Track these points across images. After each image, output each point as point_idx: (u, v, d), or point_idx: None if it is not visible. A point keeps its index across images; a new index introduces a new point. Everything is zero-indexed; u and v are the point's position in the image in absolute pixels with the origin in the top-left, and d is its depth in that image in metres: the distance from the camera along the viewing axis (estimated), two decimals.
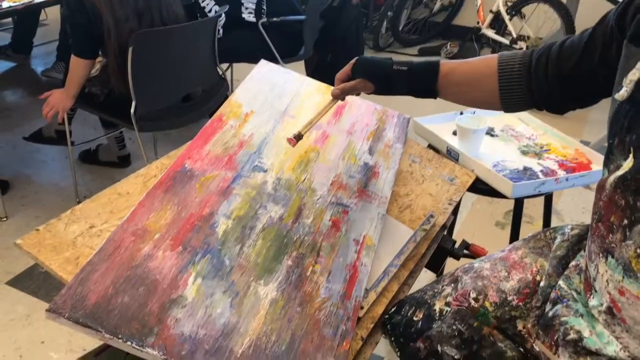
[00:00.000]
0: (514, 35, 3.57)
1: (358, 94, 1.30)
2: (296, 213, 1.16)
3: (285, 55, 2.86)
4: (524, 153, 1.66)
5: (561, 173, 1.56)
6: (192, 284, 0.95)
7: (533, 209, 2.59)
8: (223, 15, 2.57)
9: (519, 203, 1.65)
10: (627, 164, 0.86)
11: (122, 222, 1.02)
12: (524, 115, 1.83)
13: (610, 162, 0.92)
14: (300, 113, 1.45)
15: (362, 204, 1.24)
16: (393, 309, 1.11)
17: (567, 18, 3.40)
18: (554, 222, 1.82)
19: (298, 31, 2.90)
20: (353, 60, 1.25)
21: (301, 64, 3.12)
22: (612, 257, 0.90)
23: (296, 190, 1.21)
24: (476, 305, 1.06)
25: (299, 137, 1.20)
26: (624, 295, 0.89)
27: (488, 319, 1.05)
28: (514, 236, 1.71)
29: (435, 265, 1.41)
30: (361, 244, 1.15)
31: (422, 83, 1.20)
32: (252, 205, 1.14)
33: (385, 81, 1.22)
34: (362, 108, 1.54)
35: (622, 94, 0.89)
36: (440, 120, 1.77)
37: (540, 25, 3.69)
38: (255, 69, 1.56)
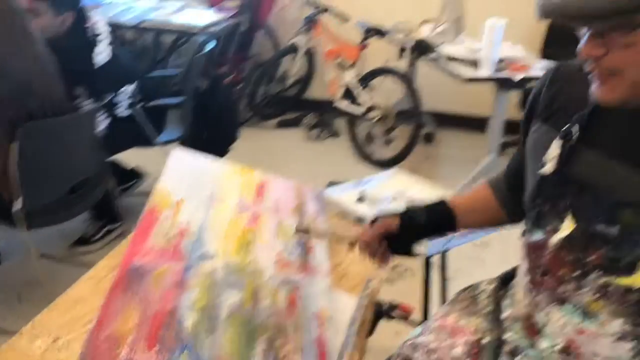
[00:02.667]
0: (367, 106, 3.88)
1: (383, 234, 1.28)
2: (253, 296, 1.18)
3: (153, 137, 2.84)
4: None
5: None
6: None
7: (413, 263, 2.79)
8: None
9: (428, 261, 1.79)
10: (568, 225, 1.00)
11: (91, 330, 0.97)
12: (413, 178, 2.02)
13: (542, 224, 1.05)
14: (226, 196, 1.47)
15: (309, 279, 1.29)
16: None
17: (409, 85, 3.79)
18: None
19: (165, 114, 2.92)
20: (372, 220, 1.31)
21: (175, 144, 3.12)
22: (568, 303, 1.03)
23: (246, 274, 1.23)
24: None
25: (306, 230, 1.36)
26: (583, 334, 1.02)
27: None
28: (442, 291, 1.84)
29: (371, 328, 1.48)
30: (320, 318, 1.19)
31: (437, 210, 1.28)
32: (210, 294, 1.14)
33: (406, 216, 1.27)
34: (280, 185, 1.61)
35: (548, 168, 1.03)
36: (344, 190, 1.89)
37: (388, 94, 4.06)
38: (173, 157, 1.56)
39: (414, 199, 1.90)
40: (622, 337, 0.99)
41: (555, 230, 1.02)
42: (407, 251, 1.30)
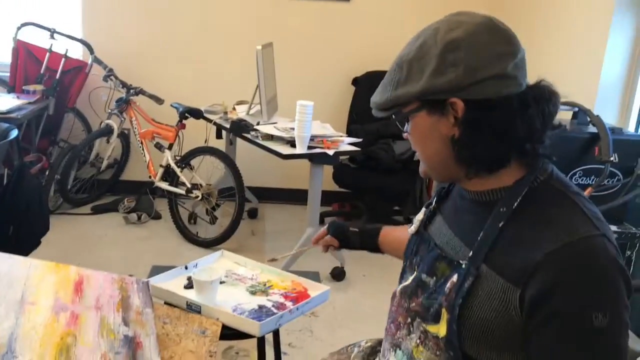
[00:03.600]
0: (188, 185, 3.85)
1: (328, 247, 1.70)
2: None
3: None
4: (253, 293, 1.82)
5: (289, 304, 1.76)
6: None
7: (246, 343, 2.76)
8: None
9: (261, 340, 1.79)
10: (411, 277, 1.18)
11: None
12: (239, 258, 2.02)
13: (402, 278, 1.25)
14: (40, 298, 1.35)
15: None
16: None
17: (230, 163, 3.85)
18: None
19: None
20: (328, 224, 1.71)
21: None
22: (400, 349, 1.16)
23: None
24: None
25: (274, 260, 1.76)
26: None
27: None
28: None
29: None
30: None
31: (368, 241, 1.63)
32: None
33: (345, 239, 1.66)
34: (100, 279, 1.51)
35: (412, 229, 1.26)
36: (170, 277, 1.83)
37: (209, 173, 4.07)
38: None
39: (243, 277, 1.91)
40: None
41: (406, 281, 1.20)
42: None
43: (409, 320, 1.14)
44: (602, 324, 0.90)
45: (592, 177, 2.44)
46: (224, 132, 4.01)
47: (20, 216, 2.76)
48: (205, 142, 4.03)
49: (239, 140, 3.95)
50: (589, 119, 2.57)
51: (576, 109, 2.58)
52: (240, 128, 3.61)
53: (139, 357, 1.28)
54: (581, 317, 0.91)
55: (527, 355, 0.99)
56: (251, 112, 3.82)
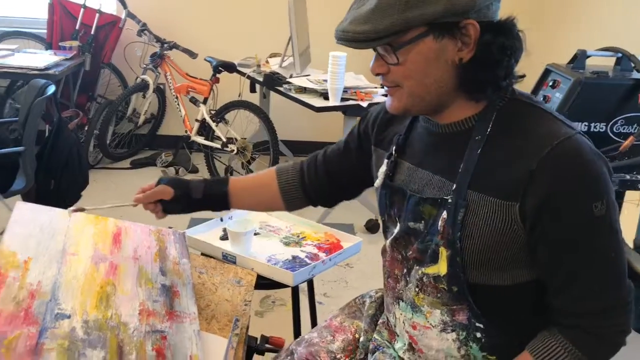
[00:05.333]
0: (224, 139, 3.88)
1: (158, 200, 1.42)
2: (117, 352, 1.13)
3: (2, 190, 2.63)
4: (286, 244, 1.85)
5: (322, 255, 1.79)
6: None
7: (282, 293, 2.82)
8: None
9: (296, 289, 1.82)
10: (397, 229, 1.16)
11: None
12: (274, 212, 2.05)
13: (387, 232, 1.22)
14: (80, 248, 1.40)
15: (176, 326, 1.26)
16: None
17: (264, 117, 3.85)
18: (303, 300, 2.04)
19: (12, 162, 2.71)
20: (159, 178, 1.45)
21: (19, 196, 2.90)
22: (402, 301, 1.17)
23: (108, 329, 1.18)
24: None
25: (80, 210, 1.37)
26: (416, 329, 1.15)
27: None
28: (312, 316, 1.86)
29: None
30: None
31: (214, 189, 1.41)
32: (70, 356, 1.07)
33: (184, 188, 1.40)
34: (138, 231, 1.55)
35: (378, 182, 1.21)
36: (206, 229, 1.87)
37: (244, 127, 4.09)
38: (14, 211, 1.46)
39: (277, 228, 1.93)
40: (444, 329, 1.12)
41: (392, 235, 1.18)
42: (179, 213, 1.44)
43: (405, 271, 1.15)
44: (602, 211, 0.98)
45: (635, 126, 2.36)
46: (257, 86, 4.00)
47: (60, 170, 2.84)
48: (239, 95, 4.03)
49: (272, 94, 3.94)
50: (633, 65, 2.47)
51: (619, 55, 2.48)
52: (273, 81, 3.59)
53: (176, 306, 1.32)
54: (584, 210, 0.97)
55: (532, 265, 1.04)
56: (284, 64, 3.79)
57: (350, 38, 1.00)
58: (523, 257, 1.04)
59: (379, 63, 1.05)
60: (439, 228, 1.06)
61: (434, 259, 1.07)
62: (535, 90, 2.29)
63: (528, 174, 0.97)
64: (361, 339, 1.30)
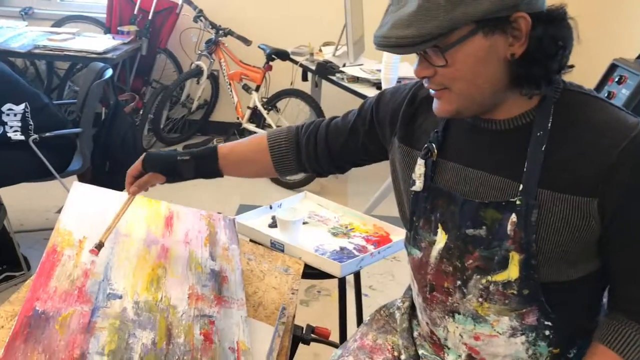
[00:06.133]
0: (274, 127, 3.89)
1: (153, 185, 1.39)
2: (166, 334, 1.14)
3: (60, 170, 2.71)
4: (335, 235, 1.84)
5: (371, 248, 1.76)
6: None
7: (327, 283, 2.81)
8: None
9: (342, 281, 1.81)
10: (441, 237, 1.09)
11: None
12: (322, 200, 2.04)
13: (418, 241, 1.13)
14: (133, 230, 1.42)
15: (224, 311, 1.26)
16: None
17: (315, 106, 3.84)
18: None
19: (69, 143, 2.79)
20: (142, 157, 1.37)
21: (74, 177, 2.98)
22: (459, 314, 1.10)
23: (158, 311, 1.19)
24: None
25: (100, 246, 1.27)
26: (479, 340, 1.09)
27: None
28: (358, 308, 1.85)
29: (290, 354, 1.47)
30: (237, 350, 1.17)
31: (206, 167, 1.36)
32: (120, 336, 1.09)
33: (175, 171, 1.35)
34: (189, 215, 1.57)
35: (419, 185, 1.12)
36: (255, 216, 1.87)
37: (295, 115, 4.09)
38: (71, 192, 1.49)
39: (326, 218, 1.92)
40: (513, 334, 1.07)
41: (431, 245, 1.10)
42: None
43: (459, 283, 1.07)
44: None
45: None
46: (309, 74, 3.99)
47: (115, 152, 2.90)
48: (291, 84, 4.03)
49: (324, 83, 3.92)
50: None
51: None
52: (326, 70, 3.57)
53: (225, 291, 1.32)
54: None
55: (599, 256, 1.03)
56: (337, 53, 3.76)
57: (393, 44, 0.94)
58: (593, 249, 1.02)
59: (424, 65, 0.99)
60: (508, 232, 1.00)
61: (503, 265, 1.02)
62: (600, 86, 2.20)
63: (607, 168, 0.94)
64: (402, 357, 1.22)
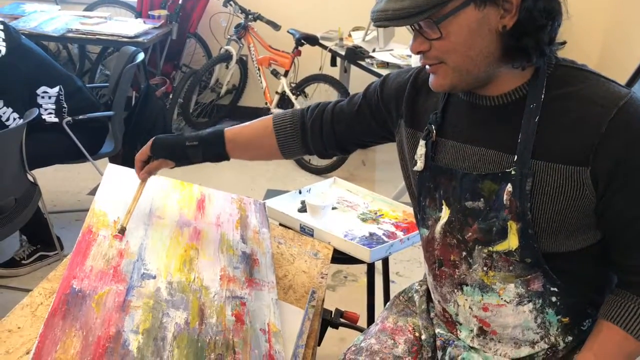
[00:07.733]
0: None
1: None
2: (199, 314, 1.15)
3: (92, 152, 2.75)
4: (364, 220, 1.84)
5: (400, 234, 1.76)
6: None
7: (354, 269, 2.82)
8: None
9: (371, 266, 1.81)
10: (445, 213, 1.12)
11: None
12: (351, 186, 2.04)
13: (426, 220, 1.17)
14: (166, 212, 1.44)
15: (255, 293, 1.28)
16: None
17: (344, 92, 3.82)
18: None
19: (101, 126, 2.82)
20: (150, 142, 1.41)
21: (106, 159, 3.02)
22: (467, 285, 1.13)
23: (191, 291, 1.21)
24: None
25: (122, 230, 1.29)
26: (488, 310, 1.11)
27: None
28: (386, 294, 1.86)
29: (319, 337, 1.49)
30: (268, 332, 1.18)
31: (214, 151, 1.38)
32: (154, 315, 1.11)
33: (183, 156, 1.39)
34: (221, 199, 1.58)
35: (420, 165, 1.16)
36: (284, 200, 1.88)
37: (323, 100, 4.07)
38: (105, 173, 1.52)
39: (355, 204, 1.93)
40: (520, 302, 1.08)
41: (437, 220, 1.13)
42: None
43: (464, 254, 1.11)
44: None
45: None
46: (338, 60, 3.97)
47: (146, 135, 2.92)
48: (320, 69, 4.02)
49: (353, 68, 3.90)
50: None
51: None
52: (355, 55, 3.55)
53: (255, 274, 1.34)
54: None
55: (598, 227, 1.04)
56: (367, 38, 3.74)
57: (390, 17, 0.96)
58: (592, 220, 1.03)
59: (420, 40, 1.01)
60: (504, 202, 1.03)
61: (503, 235, 1.05)
62: (632, 81, 2.15)
63: (598, 138, 0.97)
64: (423, 337, 1.24)
